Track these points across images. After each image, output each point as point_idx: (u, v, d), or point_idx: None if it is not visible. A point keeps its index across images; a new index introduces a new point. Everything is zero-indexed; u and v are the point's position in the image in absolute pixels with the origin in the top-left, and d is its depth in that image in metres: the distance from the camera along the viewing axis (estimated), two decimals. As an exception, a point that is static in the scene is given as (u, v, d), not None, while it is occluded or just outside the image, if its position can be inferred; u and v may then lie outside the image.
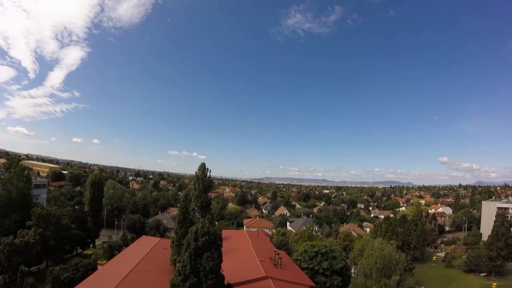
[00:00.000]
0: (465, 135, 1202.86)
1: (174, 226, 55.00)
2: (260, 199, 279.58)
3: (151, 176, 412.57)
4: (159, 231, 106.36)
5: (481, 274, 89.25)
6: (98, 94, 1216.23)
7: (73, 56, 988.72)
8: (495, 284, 78.42)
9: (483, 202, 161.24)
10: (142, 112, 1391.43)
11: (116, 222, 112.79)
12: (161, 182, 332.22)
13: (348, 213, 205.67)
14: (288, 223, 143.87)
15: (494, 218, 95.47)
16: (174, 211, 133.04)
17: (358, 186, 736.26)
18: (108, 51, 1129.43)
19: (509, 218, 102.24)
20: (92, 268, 51.77)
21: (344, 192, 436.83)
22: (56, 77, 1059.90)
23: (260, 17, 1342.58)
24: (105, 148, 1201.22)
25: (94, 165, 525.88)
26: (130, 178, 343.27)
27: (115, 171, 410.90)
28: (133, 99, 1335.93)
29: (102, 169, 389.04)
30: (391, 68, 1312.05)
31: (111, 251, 74.16)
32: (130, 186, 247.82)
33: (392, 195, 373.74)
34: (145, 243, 61.81)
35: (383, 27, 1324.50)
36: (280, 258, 47.65)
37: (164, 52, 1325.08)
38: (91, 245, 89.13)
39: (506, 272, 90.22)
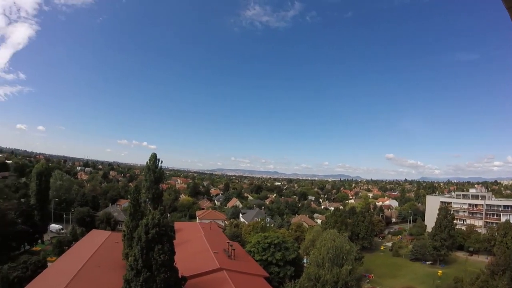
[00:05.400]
0: (410, 134, 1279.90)
1: (125, 218, 53.67)
2: (213, 191, 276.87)
3: (100, 167, 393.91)
4: (110, 224, 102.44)
5: (427, 263, 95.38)
6: (45, 77, 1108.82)
7: (21, 34, 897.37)
8: (440, 271, 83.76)
9: (427, 196, 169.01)
10: (89, 98, 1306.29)
11: (64, 216, 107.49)
12: (110, 172, 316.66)
13: (299, 205, 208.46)
14: (240, 215, 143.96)
15: (438, 211, 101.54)
16: (124, 203, 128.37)
17: (309, 178, 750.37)
18: (58, 31, 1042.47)
19: (451, 211, 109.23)
20: (42, 266, 49.05)
21: (295, 185, 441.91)
22: (1, 57, 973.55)
23: (218, 5, 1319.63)
24: (51, 135, 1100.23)
25: (39, 154, 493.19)
26: (78, 168, 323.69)
27: (62, 161, 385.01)
28: (81, 83, 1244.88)
29: (48, 158, 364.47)
30: (343, 68, 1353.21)
31: (61, 247, 70.45)
32: (79, 177, 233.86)
33: (342, 188, 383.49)
34: (96, 237, 59.89)
35: (340, 27, 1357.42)
36: (234, 249, 48.22)
37: (116, 36, 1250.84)
38: (39, 240, 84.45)
39: (450, 260, 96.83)
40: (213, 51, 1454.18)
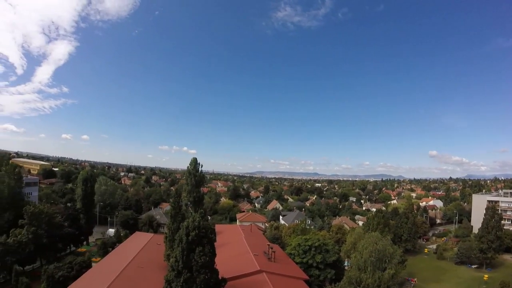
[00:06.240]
0: (453, 129, 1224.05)
1: (167, 221, 55.02)
2: (253, 193, 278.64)
3: (142, 172, 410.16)
4: (152, 226, 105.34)
5: (473, 266, 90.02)
6: (87, 89, 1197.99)
7: (61, 50, 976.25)
8: (486, 276, 78.88)
9: (474, 195, 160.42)
10: (130, 107, 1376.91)
11: (109, 219, 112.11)
12: (153, 177, 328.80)
13: (340, 206, 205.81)
14: (281, 217, 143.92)
15: (485, 211, 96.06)
16: (166, 206, 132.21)
17: (350, 179, 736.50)
18: (96, 45, 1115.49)
19: (499, 211, 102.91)
20: (87, 266, 51.30)
21: (336, 186, 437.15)
22: (44, 73, 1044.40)
23: (249, 9, 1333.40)
24: (95, 144, 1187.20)
25: (84, 161, 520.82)
26: (122, 174, 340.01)
27: (106, 167, 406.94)
28: (121, 93, 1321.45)
29: (93, 165, 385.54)
30: (380, 63, 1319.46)
31: (105, 248, 73.75)
32: (122, 182, 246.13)
33: (384, 188, 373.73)
34: (139, 239, 61.76)
35: (372, 21, 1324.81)
36: (274, 251, 47.97)
37: (153, 46, 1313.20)
38: (84, 242, 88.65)
39: (497, 264, 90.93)
40: (249, 55, 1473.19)
